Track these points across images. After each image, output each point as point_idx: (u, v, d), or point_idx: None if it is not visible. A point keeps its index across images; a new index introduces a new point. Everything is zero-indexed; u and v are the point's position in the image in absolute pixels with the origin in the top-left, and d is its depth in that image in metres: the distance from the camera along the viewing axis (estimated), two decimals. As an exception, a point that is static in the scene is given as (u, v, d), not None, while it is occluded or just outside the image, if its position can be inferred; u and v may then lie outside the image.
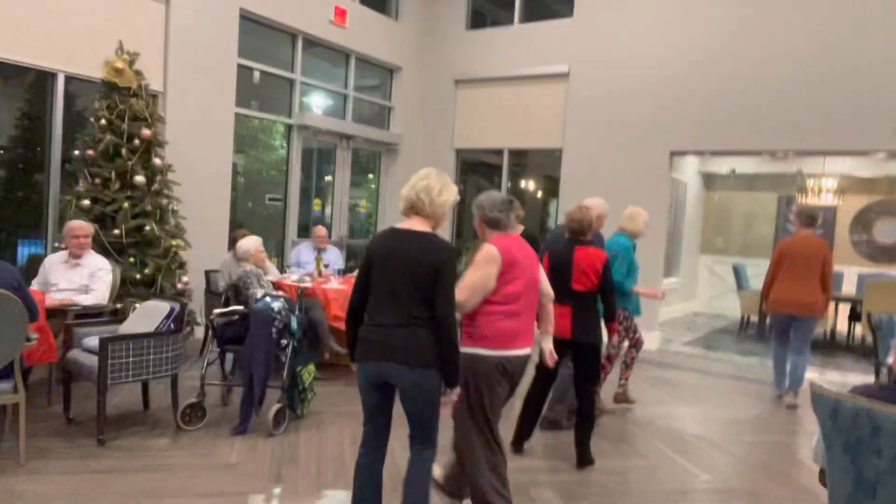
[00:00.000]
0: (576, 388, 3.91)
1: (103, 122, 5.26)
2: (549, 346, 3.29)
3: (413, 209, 2.58)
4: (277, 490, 3.31)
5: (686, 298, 10.86)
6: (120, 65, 5.32)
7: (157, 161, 5.46)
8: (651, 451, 4.27)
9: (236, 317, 4.23)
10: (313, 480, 3.45)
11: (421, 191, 2.56)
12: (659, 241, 7.56)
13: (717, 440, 4.58)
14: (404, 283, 2.45)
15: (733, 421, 5.09)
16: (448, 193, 2.59)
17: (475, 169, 9.96)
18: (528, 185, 10.10)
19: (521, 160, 9.59)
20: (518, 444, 4.01)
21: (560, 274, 3.77)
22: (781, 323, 5.69)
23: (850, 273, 9.64)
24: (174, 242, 5.42)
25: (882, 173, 9.79)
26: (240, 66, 6.89)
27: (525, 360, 2.94)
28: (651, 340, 7.38)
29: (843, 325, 8.94)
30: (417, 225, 2.56)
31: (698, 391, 5.96)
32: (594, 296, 3.80)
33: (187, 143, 6.29)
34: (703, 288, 11.47)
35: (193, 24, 6.37)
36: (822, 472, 2.31)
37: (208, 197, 6.53)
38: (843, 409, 2.10)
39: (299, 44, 7.63)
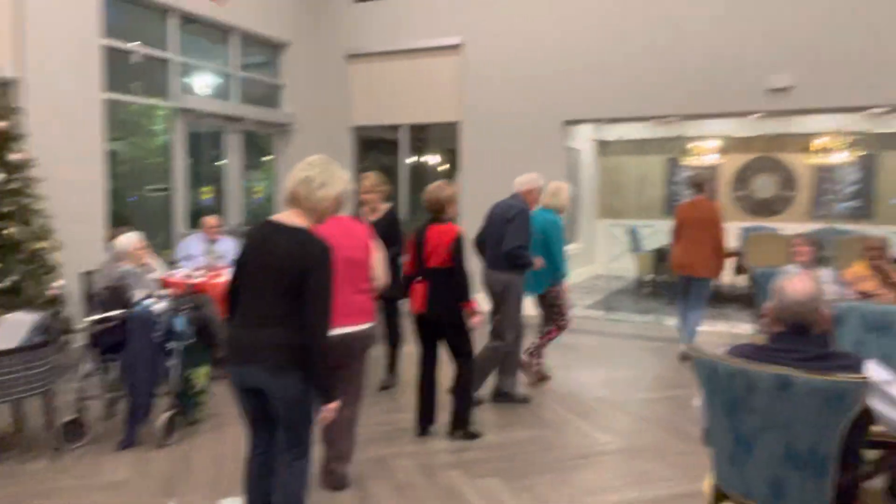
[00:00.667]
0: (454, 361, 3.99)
1: (-54, 116, 4.68)
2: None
3: (293, 201, 2.42)
4: (170, 504, 3.12)
5: (587, 262, 11.22)
6: (-41, 50, 4.73)
7: (14, 156, 4.93)
8: (554, 418, 4.36)
9: (112, 323, 3.91)
10: (209, 489, 3.28)
11: (300, 183, 2.40)
12: (559, 209, 7.69)
13: (618, 400, 4.75)
14: (268, 281, 2.30)
15: (634, 379, 5.30)
16: (331, 187, 2.42)
17: (375, 146, 9.75)
18: (430, 159, 10.01)
19: (422, 135, 9.47)
20: (422, 427, 4.00)
21: (419, 251, 3.88)
22: (682, 283, 5.99)
23: (733, 227, 10.25)
24: (40, 245, 4.95)
25: (758, 132, 10.43)
26: (106, 48, 6.33)
27: (347, 338, 2.99)
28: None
29: (729, 278, 9.51)
30: (293, 218, 2.39)
31: (600, 353, 6.17)
32: (449, 272, 3.79)
33: (51, 134, 5.72)
34: (603, 251, 11.88)
35: (49, 2, 5.75)
36: (705, 431, 2.40)
37: (79, 191, 5.99)
38: (720, 371, 2.18)
39: (172, 20, 7.10)
